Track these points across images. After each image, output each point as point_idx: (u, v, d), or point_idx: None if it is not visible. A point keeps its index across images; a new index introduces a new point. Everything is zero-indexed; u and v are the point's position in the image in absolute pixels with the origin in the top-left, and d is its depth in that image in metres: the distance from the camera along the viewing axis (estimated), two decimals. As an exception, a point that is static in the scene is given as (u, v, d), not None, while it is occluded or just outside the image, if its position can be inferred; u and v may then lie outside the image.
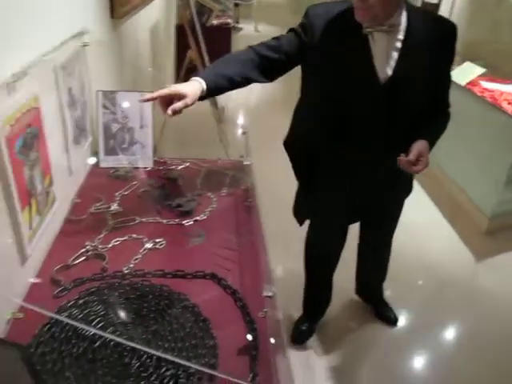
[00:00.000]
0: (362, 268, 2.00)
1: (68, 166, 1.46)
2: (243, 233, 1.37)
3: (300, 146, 1.54)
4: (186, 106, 1.05)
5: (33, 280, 1.13)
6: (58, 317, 0.74)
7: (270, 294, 0.96)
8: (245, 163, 1.68)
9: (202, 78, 1.13)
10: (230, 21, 4.62)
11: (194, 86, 1.09)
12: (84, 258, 1.23)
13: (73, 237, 1.32)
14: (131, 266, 1.20)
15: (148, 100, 1.05)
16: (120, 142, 1.73)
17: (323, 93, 1.35)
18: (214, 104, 3.02)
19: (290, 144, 1.59)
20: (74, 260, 1.21)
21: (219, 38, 4.45)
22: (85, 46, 1.55)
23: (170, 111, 1.02)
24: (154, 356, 0.93)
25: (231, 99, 4.56)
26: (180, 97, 1.04)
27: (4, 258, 1.02)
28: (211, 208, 1.49)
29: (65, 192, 1.42)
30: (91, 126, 1.69)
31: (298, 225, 1.71)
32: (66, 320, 0.77)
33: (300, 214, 1.69)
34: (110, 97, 1.69)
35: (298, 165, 1.59)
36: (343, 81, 1.29)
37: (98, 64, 1.71)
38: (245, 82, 1.21)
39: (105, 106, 1.69)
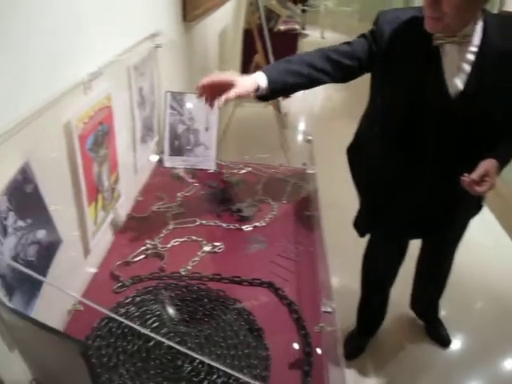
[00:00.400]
0: (419, 283, 1.92)
1: (134, 164, 1.50)
2: (303, 243, 1.34)
3: (362, 154, 1.49)
4: (239, 97, 1.03)
5: (93, 270, 1.15)
6: (113, 315, 0.74)
7: (328, 309, 0.92)
8: (308, 171, 1.64)
9: (263, 71, 1.11)
10: (297, 27, 4.60)
11: (248, 78, 1.08)
12: (143, 256, 1.24)
13: (134, 234, 1.34)
14: (189, 267, 1.20)
15: (201, 90, 1.06)
16: (184, 143, 1.75)
17: (389, 102, 1.30)
18: (277, 109, 3.01)
19: (353, 151, 1.55)
20: (134, 257, 1.23)
21: (285, 44, 4.44)
22: (157, 47, 1.58)
23: (223, 99, 1.01)
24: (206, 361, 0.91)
25: (295, 105, 4.54)
26: (229, 86, 1.03)
27: (69, 250, 1.04)
28: (271, 215, 1.47)
29: (129, 189, 1.45)
30: (158, 125, 1.72)
31: (356, 237, 1.66)
32: (120, 319, 0.78)
33: (361, 225, 1.64)
34: (177, 98, 1.71)
35: (358, 174, 1.54)
36: (410, 93, 1.23)
37: (168, 65, 1.75)
38: (310, 80, 1.18)
39: (172, 107, 1.72)
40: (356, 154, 1.56)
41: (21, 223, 0.79)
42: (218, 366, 0.65)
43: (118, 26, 1.23)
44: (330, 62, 1.21)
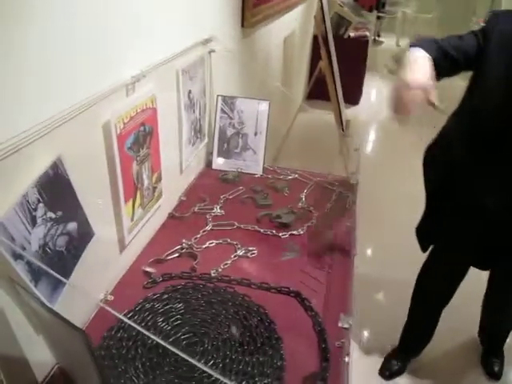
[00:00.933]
0: (488, 310, 1.79)
1: (180, 165, 1.54)
2: (337, 255, 1.30)
3: (442, 153, 1.42)
4: None
5: (127, 265, 1.20)
6: (124, 319, 0.76)
7: (345, 325, 0.89)
8: (352, 181, 1.60)
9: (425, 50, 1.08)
10: (367, 33, 4.51)
11: (422, 67, 1.03)
12: (177, 254, 1.27)
13: (172, 232, 1.38)
14: (219, 270, 1.22)
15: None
16: (233, 147, 1.78)
17: (484, 101, 1.23)
18: (339, 115, 2.96)
19: (432, 151, 1.47)
20: (168, 255, 1.26)
21: (355, 51, 4.37)
22: (211, 52, 1.62)
23: (434, 101, 0.97)
24: (220, 365, 0.92)
25: (360, 112, 4.45)
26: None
27: (103, 243, 1.09)
28: (310, 223, 1.45)
29: (173, 189, 1.50)
30: (208, 128, 1.75)
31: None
32: (131, 323, 0.80)
33: (425, 237, 1.56)
34: (228, 102, 1.74)
35: (434, 175, 1.46)
36: (504, 102, 1.16)
37: (222, 70, 1.78)
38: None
39: (223, 111, 1.76)
40: (436, 153, 1.47)
41: (51, 215, 0.84)
42: (209, 371, 0.66)
43: (170, 29, 1.28)
44: (442, 53, 1.17)
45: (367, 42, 4.56)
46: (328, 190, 1.65)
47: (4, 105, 0.71)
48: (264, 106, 1.73)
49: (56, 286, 0.86)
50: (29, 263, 0.78)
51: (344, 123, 3.00)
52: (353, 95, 4.61)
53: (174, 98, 1.40)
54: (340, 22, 4.34)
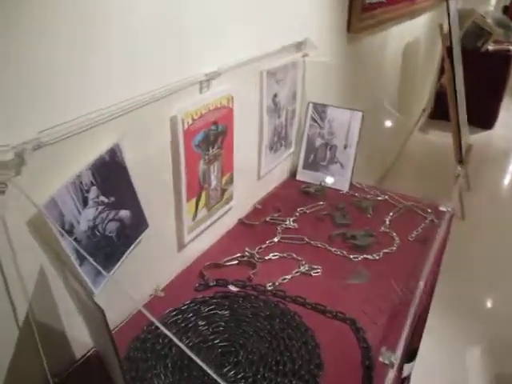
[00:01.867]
0: None
1: (257, 171, 1.60)
2: (412, 288, 1.25)
3: None
4: None
5: (184, 264, 1.28)
6: (148, 314, 0.82)
7: (386, 361, 0.86)
8: (440, 208, 1.53)
9: None
10: (511, 48, 4.21)
11: None
12: (236, 262, 1.32)
13: (237, 239, 1.44)
14: (276, 283, 1.24)
15: None
16: (320, 158, 1.79)
17: None
18: (459, 137, 2.81)
19: None
20: (227, 261, 1.32)
21: (493, 67, 4.12)
22: (304, 56, 1.66)
23: None
24: (250, 379, 0.94)
25: (491, 138, 4.16)
26: None
27: (162, 239, 1.19)
28: (389, 250, 1.41)
29: (247, 195, 1.56)
30: (296, 136, 1.79)
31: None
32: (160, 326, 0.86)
33: None
34: (320, 110, 1.77)
35: None
36: None
37: (319, 76, 1.82)
38: None
39: (313, 119, 1.79)
40: None
41: (103, 198, 0.94)
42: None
43: (255, 30, 1.35)
44: None
45: (510, 57, 4.26)
46: (419, 217, 1.59)
47: (87, 82, 0.82)
48: (357, 117, 1.72)
49: (100, 271, 0.95)
50: (77, 241, 0.88)
51: (463, 148, 2.84)
52: (486, 118, 4.34)
53: (255, 99, 1.46)
54: (478, 33, 4.13)
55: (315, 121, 1.78)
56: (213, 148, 1.26)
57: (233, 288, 1.21)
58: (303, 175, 1.81)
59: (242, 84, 1.33)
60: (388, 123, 2.68)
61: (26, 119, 0.75)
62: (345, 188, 1.75)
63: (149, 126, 1.04)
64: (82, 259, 0.89)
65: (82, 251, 0.85)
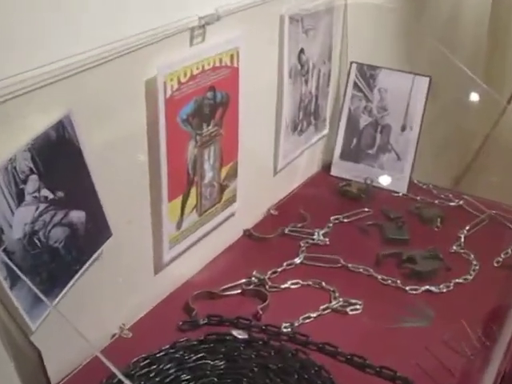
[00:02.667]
0: None
1: (273, 161, 1.61)
2: (495, 336, 1.25)
3: None
4: None
5: (162, 294, 1.30)
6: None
7: None
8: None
9: None
10: None
11: None
12: (239, 290, 1.33)
13: (242, 258, 1.46)
14: (296, 324, 1.25)
15: None
16: (366, 145, 1.80)
17: None
18: None
19: None
20: (227, 289, 1.33)
21: None
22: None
23: None
24: None
25: None
26: None
27: (131, 255, 1.19)
28: (463, 279, 1.41)
29: (257, 195, 1.58)
30: (331, 111, 1.80)
31: None
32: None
33: None
34: (367, 74, 1.77)
35: None
36: None
37: (364, 28, 1.82)
38: None
39: (357, 87, 1.79)
40: None
41: (46, 193, 0.95)
42: None
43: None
44: None
45: None
46: (508, 232, 1.59)
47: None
48: (422, 86, 1.72)
49: (39, 297, 0.96)
50: (8, 253, 0.89)
51: None
52: None
53: (272, 57, 1.47)
54: None
55: (360, 90, 1.78)
56: (208, 125, 1.27)
57: (234, 331, 1.21)
58: (341, 169, 1.82)
59: (253, 33, 1.34)
60: (468, 97, 2.66)
61: None
62: (401, 189, 1.75)
63: (115, 92, 1.04)
64: (13, 280, 0.90)
65: (13, 267, 0.86)
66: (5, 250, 0.87)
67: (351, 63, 1.77)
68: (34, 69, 0.85)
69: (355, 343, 1.21)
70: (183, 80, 1.16)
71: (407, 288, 1.38)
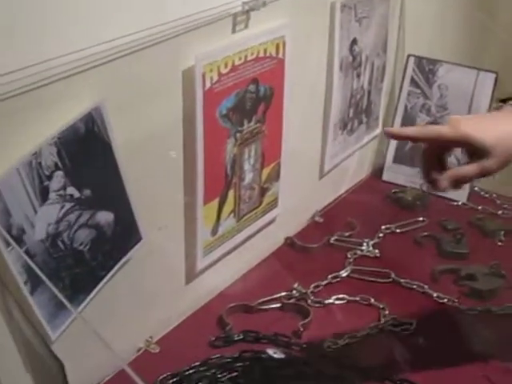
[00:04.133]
0: None
1: (320, 163, 1.60)
2: None
3: None
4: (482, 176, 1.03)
5: (194, 305, 1.30)
6: None
7: None
8: None
9: None
10: None
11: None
12: (279, 305, 1.33)
13: (282, 268, 1.45)
14: (340, 344, 1.24)
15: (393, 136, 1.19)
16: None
17: None
18: None
19: None
20: (264, 303, 1.32)
21: None
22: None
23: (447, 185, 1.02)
24: None
25: None
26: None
27: (162, 262, 1.19)
28: (528, 301, 1.38)
29: (301, 199, 1.57)
30: (385, 109, 1.79)
31: None
32: None
33: None
34: (426, 68, 1.75)
35: None
36: None
37: (424, 14, 1.80)
38: None
39: (415, 82, 1.77)
40: None
41: (73, 191, 0.95)
42: None
43: None
44: None
45: None
46: None
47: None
48: (487, 82, 1.69)
49: (62, 305, 0.96)
50: (30, 255, 0.90)
51: None
52: None
53: (321, 47, 1.47)
54: None
55: (418, 86, 1.77)
56: (249, 122, 1.27)
57: (269, 350, 1.20)
58: (394, 173, 1.81)
59: (301, 22, 1.33)
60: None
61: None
62: (461, 197, 1.73)
63: (149, 82, 1.04)
64: (34, 285, 0.91)
65: (36, 270, 0.86)
66: (26, 252, 0.87)
67: (408, 56, 1.75)
68: (60, 56, 0.85)
69: (406, 368, 1.19)
70: (224, 71, 1.16)
71: (465, 308, 1.36)
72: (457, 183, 1.03)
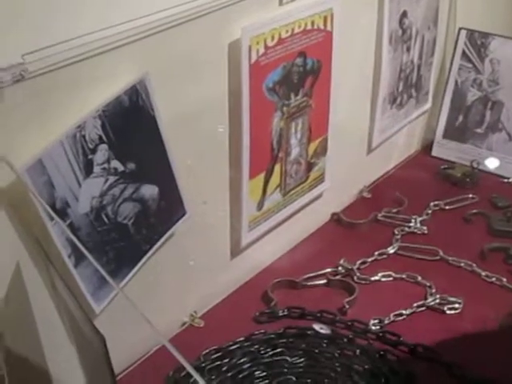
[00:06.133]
0: None
1: (368, 138, 1.57)
2: None
3: None
4: None
5: (239, 280, 1.29)
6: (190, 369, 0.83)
7: None
8: None
9: None
10: None
11: None
12: (325, 281, 1.31)
13: (328, 245, 1.43)
14: (385, 321, 1.22)
15: None
16: (474, 123, 1.74)
17: None
18: None
19: None
20: (309, 279, 1.31)
21: None
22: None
23: None
24: None
25: None
26: None
27: (206, 236, 1.19)
28: None
29: (348, 174, 1.55)
30: (435, 83, 1.75)
31: None
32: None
33: None
34: (478, 42, 1.71)
35: None
36: None
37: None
38: None
39: (466, 56, 1.73)
40: None
41: (117, 165, 0.94)
42: None
43: None
44: None
45: None
46: None
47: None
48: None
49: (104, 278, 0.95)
50: (74, 228, 0.89)
51: None
52: None
53: (370, 20, 1.44)
54: None
55: (469, 60, 1.72)
56: (296, 95, 1.24)
57: (316, 325, 1.19)
58: (444, 149, 1.77)
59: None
60: None
61: (4, 35, 0.75)
62: (512, 174, 1.68)
63: (194, 55, 1.03)
64: (78, 258, 0.90)
65: (79, 245, 0.85)
66: (70, 226, 0.87)
67: (460, 29, 1.70)
68: (107, 28, 0.84)
69: (453, 347, 1.17)
70: (270, 44, 1.13)
71: (516, 287, 1.32)
72: None
